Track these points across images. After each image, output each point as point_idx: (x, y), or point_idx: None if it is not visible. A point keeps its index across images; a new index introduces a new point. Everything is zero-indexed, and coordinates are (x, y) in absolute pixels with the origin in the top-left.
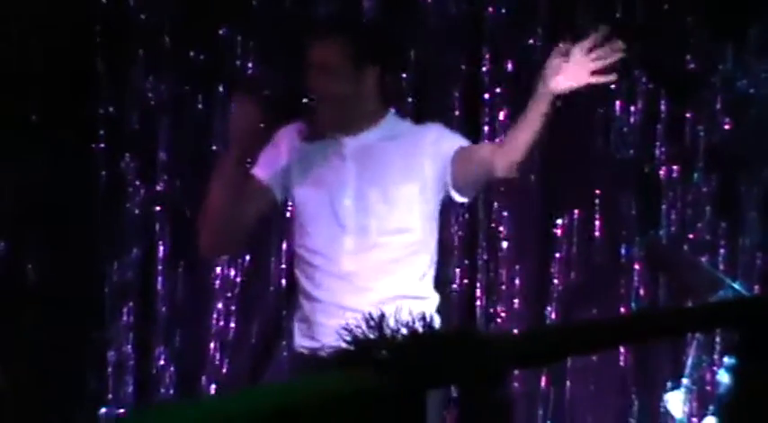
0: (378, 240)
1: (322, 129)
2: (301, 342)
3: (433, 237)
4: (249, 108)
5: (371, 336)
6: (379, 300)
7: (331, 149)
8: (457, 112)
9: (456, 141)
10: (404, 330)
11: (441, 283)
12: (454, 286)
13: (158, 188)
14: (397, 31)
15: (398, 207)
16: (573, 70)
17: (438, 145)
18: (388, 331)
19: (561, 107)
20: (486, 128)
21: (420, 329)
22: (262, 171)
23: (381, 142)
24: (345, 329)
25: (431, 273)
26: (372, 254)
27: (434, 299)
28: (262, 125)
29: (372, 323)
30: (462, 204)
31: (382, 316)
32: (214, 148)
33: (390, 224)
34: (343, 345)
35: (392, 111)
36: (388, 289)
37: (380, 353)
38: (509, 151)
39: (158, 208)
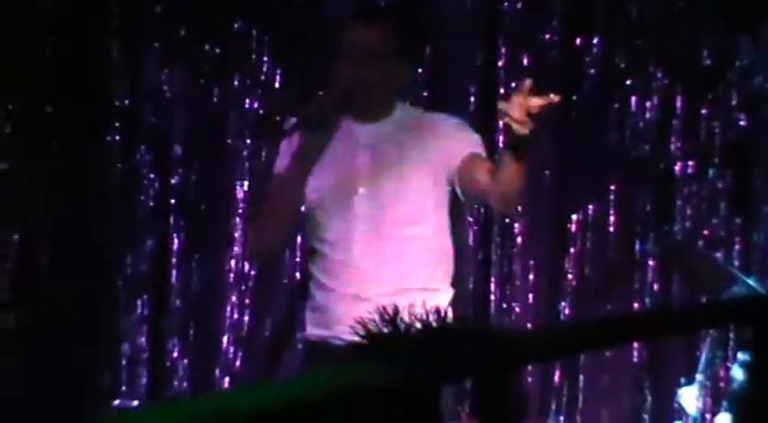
0: (391, 231)
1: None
2: (312, 331)
3: (446, 231)
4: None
5: (386, 330)
6: (390, 290)
7: (345, 139)
8: (472, 108)
9: (469, 142)
10: (418, 324)
11: (455, 278)
12: (470, 280)
13: (173, 181)
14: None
15: (412, 198)
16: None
17: (450, 140)
18: (402, 325)
19: (577, 102)
20: (501, 123)
21: (434, 324)
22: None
23: (396, 132)
24: (359, 323)
25: (444, 267)
26: (385, 244)
27: (448, 293)
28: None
29: (387, 317)
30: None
31: (396, 310)
32: (229, 141)
33: (404, 215)
34: (357, 338)
35: (405, 101)
36: (399, 280)
37: (395, 347)
38: (498, 196)
39: (173, 201)
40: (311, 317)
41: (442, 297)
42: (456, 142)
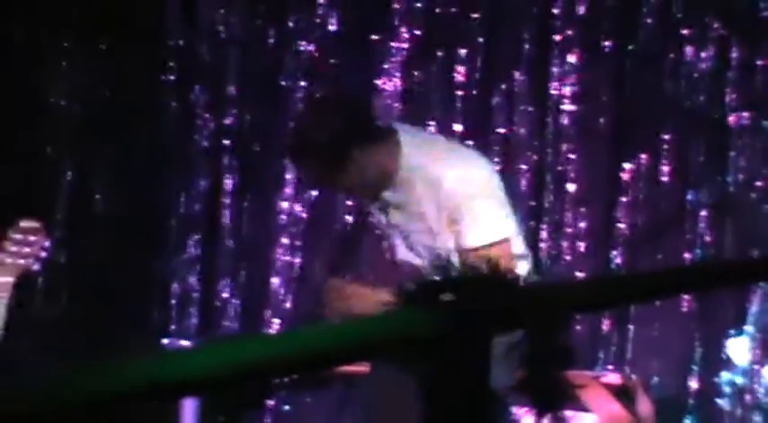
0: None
1: None
2: None
3: None
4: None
5: (437, 277)
6: None
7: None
8: (527, 53)
9: (464, 241)
10: (470, 273)
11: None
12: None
13: (227, 121)
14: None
15: (433, 251)
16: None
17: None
18: (454, 273)
19: (632, 52)
20: (555, 70)
21: (485, 272)
22: None
23: (407, 201)
24: (412, 270)
25: None
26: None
27: None
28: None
29: (439, 265)
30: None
31: (449, 258)
32: (283, 82)
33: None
34: (410, 285)
35: (405, 149)
36: None
37: (446, 294)
38: None
39: (226, 141)
40: None
41: None
42: (462, 234)
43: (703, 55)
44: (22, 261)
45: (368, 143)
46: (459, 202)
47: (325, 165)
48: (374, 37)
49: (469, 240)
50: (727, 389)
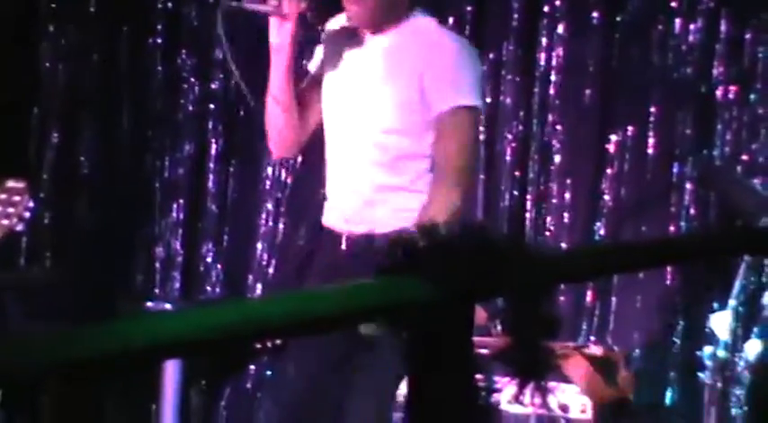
0: (375, 138)
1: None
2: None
3: (430, 146)
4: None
5: (422, 243)
6: (370, 190)
7: (355, 43)
8: (516, 24)
9: (451, 95)
10: (455, 240)
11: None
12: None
13: (213, 86)
14: None
15: (400, 109)
16: None
17: (439, 84)
18: (438, 240)
19: (621, 23)
20: (544, 40)
21: (470, 240)
22: (316, 68)
23: (400, 44)
24: (397, 235)
25: (425, 179)
26: (369, 151)
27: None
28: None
29: (423, 230)
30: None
31: (434, 224)
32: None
33: (389, 124)
34: (393, 252)
35: (418, 11)
36: (380, 181)
37: (429, 261)
38: None
39: (212, 106)
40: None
41: (417, 199)
42: (441, 92)
43: (692, 27)
44: (5, 221)
45: None
46: (452, 63)
47: None
48: None
49: (449, 97)
50: (708, 362)
